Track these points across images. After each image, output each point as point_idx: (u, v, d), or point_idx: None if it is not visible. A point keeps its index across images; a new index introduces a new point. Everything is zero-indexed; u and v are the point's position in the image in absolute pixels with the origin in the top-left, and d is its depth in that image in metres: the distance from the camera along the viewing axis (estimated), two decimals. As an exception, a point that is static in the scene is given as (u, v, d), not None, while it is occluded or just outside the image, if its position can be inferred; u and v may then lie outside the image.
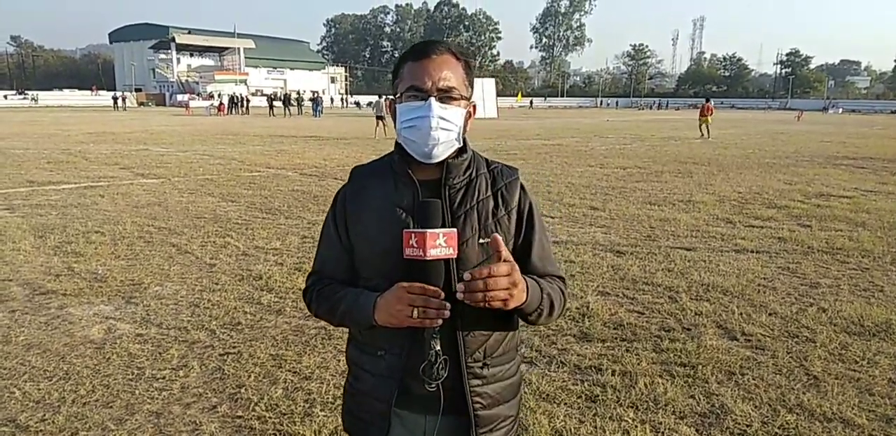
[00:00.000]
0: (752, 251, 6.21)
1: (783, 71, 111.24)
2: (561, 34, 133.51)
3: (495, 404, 1.39)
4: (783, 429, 2.89)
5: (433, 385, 1.28)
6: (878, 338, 3.99)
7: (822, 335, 4.00)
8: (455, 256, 1.21)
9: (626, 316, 4.35)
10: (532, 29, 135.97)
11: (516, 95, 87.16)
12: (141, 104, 65.35)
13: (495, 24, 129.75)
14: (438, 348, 1.26)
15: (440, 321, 1.21)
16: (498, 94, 48.23)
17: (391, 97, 1.40)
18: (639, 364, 3.55)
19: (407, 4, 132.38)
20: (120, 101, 53.03)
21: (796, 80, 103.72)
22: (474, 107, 1.40)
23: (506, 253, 1.21)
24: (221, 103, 47.13)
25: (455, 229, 1.21)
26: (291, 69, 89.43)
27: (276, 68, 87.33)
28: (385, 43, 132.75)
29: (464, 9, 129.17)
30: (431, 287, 1.20)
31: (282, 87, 77.71)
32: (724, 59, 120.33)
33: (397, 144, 1.39)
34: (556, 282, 1.41)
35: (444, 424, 1.36)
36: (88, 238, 6.39)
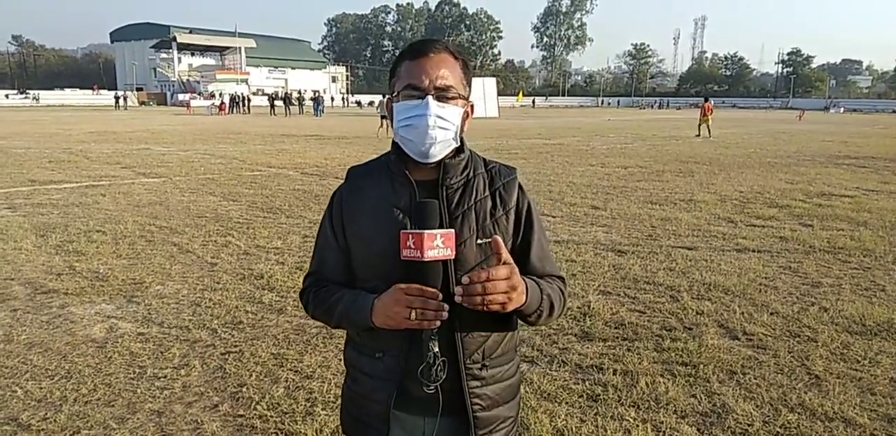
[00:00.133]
0: (753, 251, 6.20)
1: (784, 70, 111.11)
2: (562, 33, 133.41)
3: (495, 405, 1.38)
4: (784, 428, 2.89)
5: (432, 387, 1.27)
6: (879, 337, 3.98)
7: (824, 335, 3.99)
8: (453, 257, 1.20)
9: (628, 315, 4.35)
10: (533, 28, 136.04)
11: (517, 95, 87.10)
12: (142, 104, 65.40)
13: (496, 23, 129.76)
14: (437, 349, 1.26)
15: (438, 323, 1.21)
16: (499, 94, 48.21)
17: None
18: (640, 363, 3.55)
19: (408, 4, 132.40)
20: (121, 101, 53.07)
21: (798, 80, 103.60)
22: (472, 107, 1.39)
23: (506, 255, 1.20)
24: (223, 103, 47.15)
25: (453, 230, 1.20)
26: (293, 69, 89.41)
27: (277, 68, 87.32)
28: (386, 42, 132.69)
29: (465, 8, 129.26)
30: (429, 288, 1.19)
31: (283, 87, 77.80)
32: (726, 58, 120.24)
33: (394, 144, 1.38)
34: (556, 282, 1.41)
35: (442, 425, 1.35)
36: (90, 237, 6.40)
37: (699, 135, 23.58)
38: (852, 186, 10.84)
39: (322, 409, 3.03)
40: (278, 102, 46.91)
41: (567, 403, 3.12)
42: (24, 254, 5.75)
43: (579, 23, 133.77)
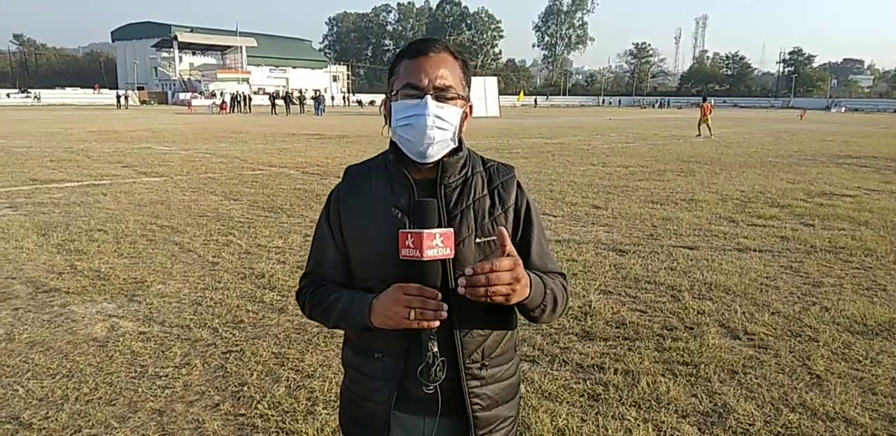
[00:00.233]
0: (754, 250, 6.20)
1: (786, 69, 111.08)
2: (563, 32, 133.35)
3: (494, 405, 1.37)
4: (786, 428, 2.89)
5: (431, 387, 1.27)
6: (880, 337, 3.98)
7: (825, 334, 3.99)
8: (452, 256, 1.20)
9: (629, 315, 4.35)
10: (534, 27, 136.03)
11: (518, 94, 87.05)
12: (143, 103, 65.41)
13: (497, 22, 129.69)
14: (436, 349, 1.25)
15: (437, 322, 1.20)
16: (500, 93, 48.18)
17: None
18: (641, 363, 3.55)
19: (409, 3, 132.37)
20: (123, 100, 53.08)
21: (799, 79, 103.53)
22: (471, 107, 1.38)
23: (510, 247, 1.20)
24: (224, 102, 47.15)
25: (452, 229, 1.20)
26: (294, 68, 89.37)
27: (278, 67, 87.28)
28: (387, 41, 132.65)
29: (466, 7, 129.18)
30: (429, 288, 1.19)
31: (284, 86, 77.79)
32: (727, 57, 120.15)
33: (392, 143, 1.37)
34: (558, 278, 1.40)
35: (442, 425, 1.35)
36: (91, 236, 6.40)
37: (699, 134, 23.61)
38: (854, 185, 10.83)
39: (323, 408, 3.03)
40: (279, 102, 46.91)
41: (568, 402, 3.12)
42: (26, 253, 5.76)
43: (580, 22, 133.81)
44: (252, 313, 4.31)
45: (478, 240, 1.31)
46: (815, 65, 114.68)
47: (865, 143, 21.69)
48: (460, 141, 1.36)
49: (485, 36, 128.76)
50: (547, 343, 3.83)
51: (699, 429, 2.89)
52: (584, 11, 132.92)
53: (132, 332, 3.95)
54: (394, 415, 1.35)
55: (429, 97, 1.26)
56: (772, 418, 2.97)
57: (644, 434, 2.82)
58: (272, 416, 2.97)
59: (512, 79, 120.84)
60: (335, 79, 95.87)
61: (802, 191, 10.11)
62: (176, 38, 75.26)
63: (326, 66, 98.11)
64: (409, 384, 1.32)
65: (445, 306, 1.20)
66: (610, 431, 2.86)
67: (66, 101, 62.35)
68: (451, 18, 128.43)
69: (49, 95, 63.99)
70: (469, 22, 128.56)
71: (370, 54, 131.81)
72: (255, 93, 66.90)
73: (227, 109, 45.92)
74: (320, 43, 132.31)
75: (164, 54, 77.50)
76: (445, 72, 1.29)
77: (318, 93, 60.25)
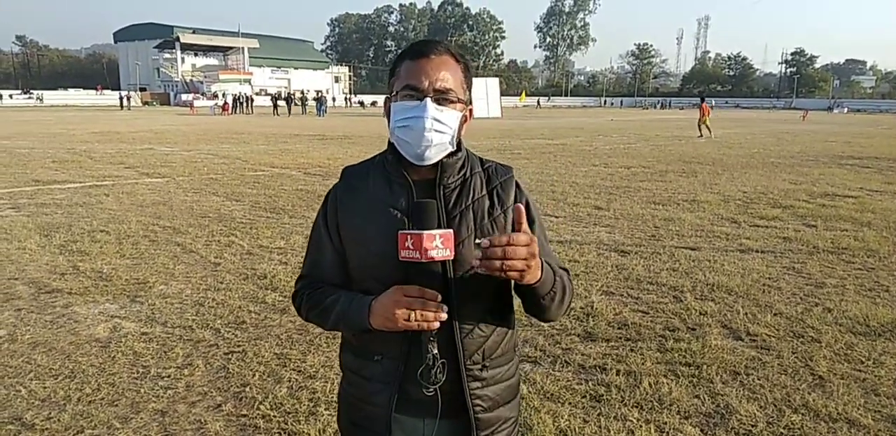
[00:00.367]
0: (757, 251, 6.19)
1: (788, 70, 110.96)
2: (565, 33, 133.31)
3: (496, 406, 1.37)
4: (788, 429, 2.88)
5: (431, 390, 1.27)
6: (883, 338, 3.97)
7: (828, 335, 3.98)
8: (452, 258, 1.19)
9: (631, 316, 4.34)
10: (536, 28, 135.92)
11: (520, 95, 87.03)
12: (145, 104, 65.51)
13: (499, 23, 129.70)
14: (436, 351, 1.25)
15: (438, 324, 1.20)
16: (502, 94, 48.20)
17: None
18: (643, 364, 3.55)
19: (411, 4, 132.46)
20: (125, 101, 53.20)
21: (801, 80, 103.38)
22: (471, 110, 1.37)
23: (525, 226, 1.18)
24: (226, 103, 47.19)
25: (451, 230, 1.19)
26: (295, 69, 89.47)
27: (280, 68, 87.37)
28: (389, 42, 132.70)
29: (467, 8, 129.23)
30: (429, 290, 1.18)
31: (286, 87, 77.81)
32: (729, 58, 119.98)
33: (390, 144, 1.36)
34: (563, 273, 1.40)
35: (442, 427, 1.34)
36: (93, 237, 6.41)
37: (701, 135, 23.62)
38: (856, 186, 10.81)
39: (325, 409, 3.03)
40: (281, 102, 46.95)
41: (570, 403, 3.11)
42: (28, 254, 5.77)
43: (582, 23, 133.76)
44: (254, 314, 4.31)
45: (477, 241, 1.29)
46: (817, 65, 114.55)
47: (868, 143, 21.65)
48: (459, 142, 1.35)
49: (486, 37, 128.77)
50: (549, 344, 3.83)
51: (701, 430, 2.88)
52: (586, 12, 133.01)
53: (134, 332, 3.96)
54: (394, 417, 1.34)
55: (428, 100, 1.25)
56: (774, 420, 2.97)
57: (646, 435, 2.82)
58: (274, 417, 2.97)
59: (514, 80, 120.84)
60: (337, 80, 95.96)
61: (805, 192, 10.10)
62: (178, 39, 75.40)
63: (328, 67, 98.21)
64: (408, 387, 1.31)
65: (445, 308, 1.20)
66: (612, 432, 2.85)
67: (68, 103, 62.47)
68: (453, 19, 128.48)
69: (51, 96, 64.14)
70: (471, 23, 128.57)
71: (372, 55, 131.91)
72: (257, 94, 66.96)
73: (229, 110, 45.97)
74: (322, 44, 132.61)
75: (167, 55, 77.67)
76: (446, 74, 1.28)
77: (319, 94, 60.37)
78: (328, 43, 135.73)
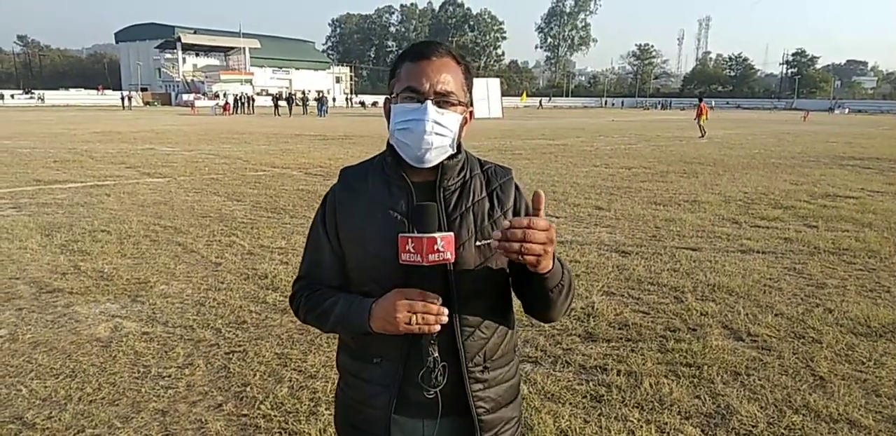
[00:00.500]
0: (757, 252, 6.19)
1: (789, 71, 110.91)
2: (566, 34, 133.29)
3: (498, 407, 1.36)
4: (789, 430, 2.88)
5: (432, 393, 1.26)
6: (884, 339, 3.97)
7: (829, 336, 3.98)
8: (453, 260, 1.19)
9: (632, 316, 4.34)
10: (537, 29, 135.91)
11: (521, 95, 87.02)
12: (147, 104, 65.52)
13: (500, 23, 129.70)
14: (437, 354, 1.25)
15: (438, 327, 1.20)
16: (503, 95, 48.19)
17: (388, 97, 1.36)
18: (644, 364, 3.55)
19: (412, 4, 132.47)
20: (126, 101, 53.24)
21: (802, 81, 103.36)
22: (471, 112, 1.36)
23: (542, 213, 1.17)
24: (227, 103, 47.20)
25: (452, 233, 1.19)
26: (296, 69, 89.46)
27: (281, 68, 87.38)
28: (390, 43, 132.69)
29: (469, 8, 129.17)
30: (430, 293, 1.18)
31: (287, 87, 77.75)
32: (730, 58, 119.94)
33: (389, 146, 1.35)
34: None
35: (443, 426, 1.33)
36: (95, 237, 6.42)
37: (702, 135, 23.67)
38: (857, 187, 10.81)
39: (326, 408, 3.03)
40: (282, 103, 46.95)
41: (571, 403, 3.11)
42: (29, 253, 5.77)
43: (583, 23, 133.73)
44: (255, 314, 4.31)
45: (478, 243, 1.29)
46: (818, 66, 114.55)
47: (869, 144, 21.64)
48: (458, 144, 1.34)
49: (487, 37, 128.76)
50: (550, 344, 3.83)
51: (702, 430, 2.88)
52: (587, 13, 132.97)
53: (135, 332, 3.96)
54: (393, 419, 1.34)
55: (429, 103, 1.25)
56: (775, 420, 2.97)
57: (647, 435, 2.82)
58: (275, 416, 2.97)
59: (515, 80, 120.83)
60: (338, 80, 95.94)
61: (806, 192, 10.09)
62: (179, 39, 75.42)
63: (329, 68, 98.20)
64: (408, 389, 1.30)
65: (446, 311, 1.20)
66: (613, 432, 2.85)
67: (69, 103, 62.51)
68: (454, 20, 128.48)
69: (53, 96, 64.19)
70: (472, 23, 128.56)
71: (373, 55, 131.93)
72: (258, 94, 66.98)
73: (231, 111, 45.98)
74: (323, 44, 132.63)
75: (168, 55, 77.69)
76: (447, 77, 1.27)
77: (321, 94, 60.36)
78: (329, 43, 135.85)
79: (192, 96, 62.32)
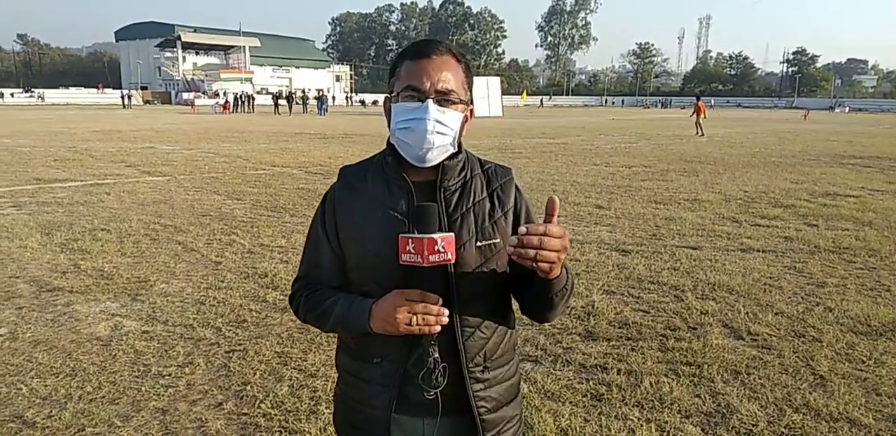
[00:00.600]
0: (758, 250, 6.19)
1: (790, 70, 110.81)
2: (566, 33, 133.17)
3: (499, 406, 1.36)
4: (789, 429, 2.88)
5: (432, 393, 1.26)
6: (885, 337, 3.97)
7: (829, 335, 3.98)
8: (453, 261, 1.18)
9: (632, 315, 4.34)
10: (537, 27, 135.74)
11: (521, 94, 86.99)
12: (147, 102, 65.46)
13: (500, 22, 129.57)
14: (437, 355, 1.24)
15: (438, 328, 1.19)
16: (503, 93, 48.16)
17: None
18: (644, 363, 3.55)
19: (412, 3, 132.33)
20: (126, 100, 53.20)
21: (803, 79, 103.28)
22: (472, 111, 1.36)
23: (556, 218, 1.17)
24: (227, 101, 47.17)
25: (453, 234, 1.18)
26: (297, 67, 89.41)
27: (281, 67, 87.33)
28: (390, 41, 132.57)
29: (469, 7, 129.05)
30: (430, 294, 1.17)
31: (287, 86, 77.67)
32: (731, 57, 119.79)
33: (390, 145, 1.34)
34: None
35: (443, 425, 1.33)
36: (95, 236, 6.42)
37: (702, 134, 23.73)
38: (857, 185, 10.80)
39: (326, 407, 3.03)
40: (282, 101, 46.93)
41: (571, 402, 3.11)
42: (30, 252, 5.77)
43: (584, 22, 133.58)
44: (255, 313, 4.31)
45: (478, 243, 1.29)
46: (818, 65, 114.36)
47: (869, 143, 21.63)
48: (459, 144, 1.33)
49: (488, 36, 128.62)
50: (550, 343, 3.83)
51: (702, 429, 2.88)
52: (588, 11, 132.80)
53: (135, 331, 3.96)
54: (393, 418, 1.33)
55: (430, 101, 1.24)
56: (775, 419, 2.97)
57: (647, 434, 2.82)
58: (275, 415, 2.97)
59: (515, 79, 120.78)
60: (338, 79, 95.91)
61: (806, 191, 10.09)
62: (179, 37, 75.34)
63: (329, 66, 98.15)
64: (408, 389, 1.30)
65: (447, 312, 1.19)
66: (613, 431, 2.85)
67: (69, 101, 62.47)
68: (454, 18, 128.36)
69: (53, 95, 64.11)
70: (472, 22, 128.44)
71: (373, 54, 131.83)
72: (258, 93, 66.92)
73: (231, 109, 45.94)
74: (323, 43, 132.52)
75: (168, 54, 77.63)
76: (448, 75, 1.26)
77: (321, 93, 60.28)
78: (329, 42, 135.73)
79: (192, 95, 62.26)
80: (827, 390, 3.26)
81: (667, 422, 2.93)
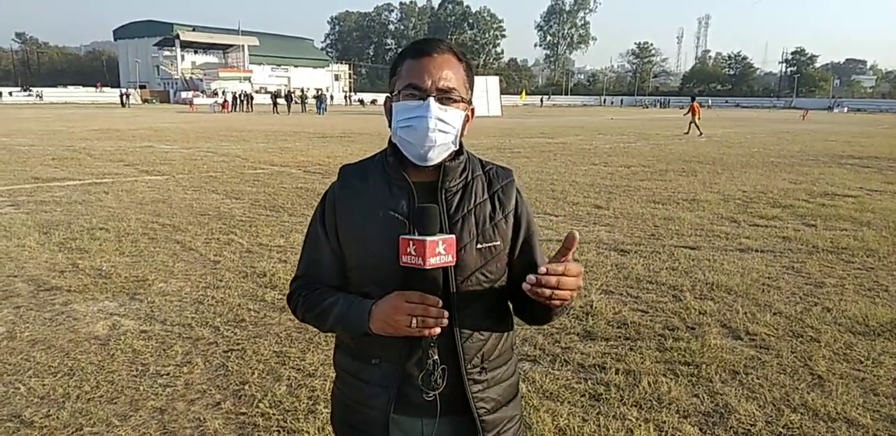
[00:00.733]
0: (756, 250, 6.20)
1: (788, 70, 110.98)
2: (565, 32, 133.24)
3: (499, 406, 1.36)
4: (787, 428, 2.89)
5: (431, 395, 1.26)
6: (882, 338, 3.97)
7: (827, 335, 3.99)
8: (453, 263, 1.18)
9: (630, 315, 4.34)
10: (536, 27, 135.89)
11: (520, 93, 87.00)
12: (145, 101, 65.38)
13: (499, 21, 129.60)
14: (436, 357, 1.24)
15: (438, 330, 1.19)
16: (502, 93, 48.17)
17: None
18: (642, 363, 3.55)
19: (411, 2, 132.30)
20: (125, 98, 53.14)
21: (801, 79, 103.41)
22: (473, 110, 1.35)
23: (571, 255, 1.19)
24: (225, 100, 47.13)
25: (454, 236, 1.18)
26: (295, 66, 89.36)
27: (280, 66, 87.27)
28: (389, 40, 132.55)
29: (468, 6, 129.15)
30: (430, 296, 1.17)
31: (286, 85, 77.68)
32: (729, 57, 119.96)
33: (391, 144, 1.34)
34: None
35: (443, 424, 1.33)
36: (93, 235, 6.41)
37: (700, 134, 23.78)
38: (856, 186, 10.81)
39: (324, 407, 3.03)
40: (281, 100, 46.91)
41: (569, 402, 3.11)
42: (28, 251, 5.76)
43: (583, 21, 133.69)
44: (253, 312, 4.31)
45: (479, 246, 1.28)
46: (817, 65, 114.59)
47: (868, 143, 21.65)
48: (461, 144, 1.33)
49: (487, 35, 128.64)
50: (548, 343, 3.83)
51: (700, 429, 2.89)
52: (587, 11, 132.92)
53: (133, 330, 3.96)
54: (392, 418, 1.33)
55: (431, 99, 1.23)
56: (773, 419, 2.97)
57: (645, 434, 2.82)
58: (273, 415, 2.97)
59: (514, 78, 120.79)
60: (337, 78, 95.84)
61: (804, 191, 10.10)
62: (178, 36, 75.24)
63: (328, 65, 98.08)
64: (407, 390, 1.30)
65: (447, 314, 1.19)
66: (611, 431, 2.85)
67: (68, 100, 62.38)
68: (454, 18, 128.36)
69: (51, 94, 64.01)
70: (471, 21, 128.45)
71: (372, 53, 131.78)
72: (256, 92, 66.86)
73: (229, 108, 45.90)
74: (322, 42, 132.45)
75: (167, 53, 77.51)
76: (449, 73, 1.26)
77: (319, 92, 60.26)
78: (328, 41, 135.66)
79: (190, 94, 62.18)
80: (825, 390, 3.26)
81: (665, 422, 2.93)
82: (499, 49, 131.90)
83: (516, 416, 1.42)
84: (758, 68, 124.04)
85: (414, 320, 1.17)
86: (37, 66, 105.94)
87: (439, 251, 1.13)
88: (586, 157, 15.39)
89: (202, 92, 66.68)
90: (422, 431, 1.34)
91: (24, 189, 9.28)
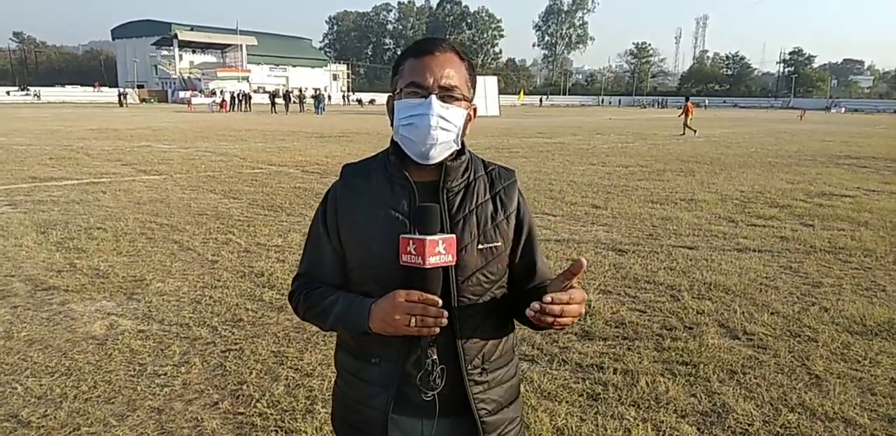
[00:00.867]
0: (754, 250, 6.20)
1: (786, 70, 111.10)
2: (564, 32, 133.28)
3: (499, 407, 1.36)
4: (785, 428, 2.89)
5: (430, 395, 1.26)
6: (880, 337, 3.98)
7: (824, 335, 3.99)
8: (454, 263, 1.18)
9: (628, 315, 4.34)
10: (535, 27, 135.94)
11: (518, 93, 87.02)
12: (143, 101, 65.25)
13: (498, 21, 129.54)
14: (435, 356, 1.24)
15: (437, 330, 1.19)
16: (500, 93, 48.18)
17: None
18: (640, 363, 3.55)
19: (409, 2, 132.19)
20: (122, 98, 53.06)
21: (799, 79, 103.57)
22: (475, 110, 1.35)
23: (576, 281, 1.19)
24: (223, 100, 47.08)
25: (454, 236, 1.18)
26: (293, 66, 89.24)
27: (278, 65, 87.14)
28: (387, 40, 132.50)
29: (466, 6, 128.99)
30: (430, 296, 1.17)
31: (284, 85, 77.66)
32: (727, 57, 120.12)
33: (393, 143, 1.34)
34: None
35: (443, 425, 1.33)
36: (90, 234, 6.40)
37: (695, 132, 23.99)
38: (853, 186, 10.83)
39: (322, 407, 3.03)
40: (279, 100, 46.87)
41: (567, 402, 3.11)
42: (25, 251, 5.75)
43: (581, 21, 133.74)
44: (251, 312, 4.30)
45: (480, 246, 1.28)
46: (815, 65, 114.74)
47: (865, 143, 21.69)
48: (463, 144, 1.33)
49: (485, 35, 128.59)
50: (546, 343, 3.83)
51: (698, 429, 2.89)
52: (585, 11, 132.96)
53: (131, 330, 3.95)
54: (391, 418, 1.33)
55: (433, 97, 1.24)
56: (771, 418, 2.97)
57: (643, 434, 2.82)
58: (271, 414, 2.96)
59: (512, 78, 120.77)
60: (335, 78, 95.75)
61: (802, 191, 10.11)
62: (176, 36, 75.08)
63: (326, 65, 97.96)
64: (407, 389, 1.30)
65: (446, 314, 1.19)
66: (609, 430, 2.85)
67: (65, 99, 62.23)
68: (452, 17, 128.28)
69: (49, 93, 63.84)
70: (469, 21, 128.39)
71: (370, 53, 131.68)
72: (255, 91, 66.72)
73: (227, 108, 45.85)
74: (320, 42, 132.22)
75: (164, 52, 77.33)
76: (451, 72, 1.26)
77: (318, 91, 60.19)
78: (326, 41, 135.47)
79: (188, 93, 62.08)
80: (822, 390, 3.26)
81: (663, 421, 2.93)
82: (497, 49, 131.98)
83: (517, 418, 1.42)
84: (755, 68, 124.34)
85: (413, 320, 1.17)
86: (34, 66, 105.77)
87: (439, 251, 1.13)
88: (584, 157, 15.39)
89: (200, 91, 66.57)
90: (421, 431, 1.34)
91: (21, 189, 9.26)
